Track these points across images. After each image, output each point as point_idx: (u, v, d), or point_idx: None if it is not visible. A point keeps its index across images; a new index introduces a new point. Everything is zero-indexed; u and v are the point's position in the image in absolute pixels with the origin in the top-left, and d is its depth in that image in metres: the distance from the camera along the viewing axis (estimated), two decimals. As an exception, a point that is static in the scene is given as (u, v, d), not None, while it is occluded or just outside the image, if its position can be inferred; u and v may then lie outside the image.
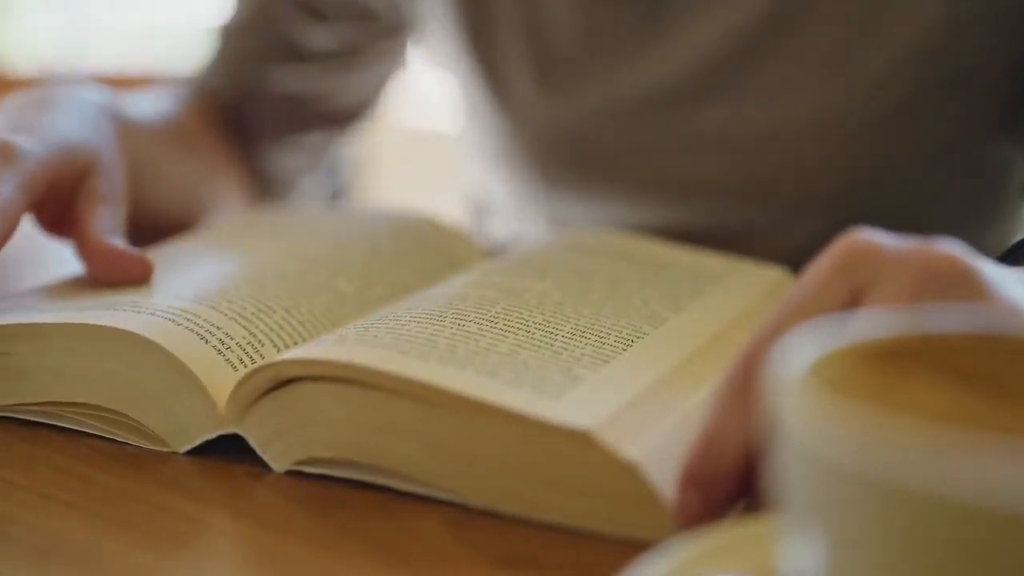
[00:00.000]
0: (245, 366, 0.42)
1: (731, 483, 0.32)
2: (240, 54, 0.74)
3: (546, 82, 0.67)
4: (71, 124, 0.52)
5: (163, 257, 0.52)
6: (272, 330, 0.44)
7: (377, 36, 0.76)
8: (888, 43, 0.59)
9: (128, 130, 0.59)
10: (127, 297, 0.46)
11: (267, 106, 0.74)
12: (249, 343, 0.43)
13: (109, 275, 0.48)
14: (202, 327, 0.43)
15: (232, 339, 0.43)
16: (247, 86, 0.74)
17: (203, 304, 0.44)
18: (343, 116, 0.78)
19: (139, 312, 0.43)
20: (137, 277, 0.48)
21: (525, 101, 0.68)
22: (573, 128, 0.67)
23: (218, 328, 0.43)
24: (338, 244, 0.54)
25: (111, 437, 0.42)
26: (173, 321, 0.42)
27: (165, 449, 0.42)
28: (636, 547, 0.33)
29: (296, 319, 0.45)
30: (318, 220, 0.60)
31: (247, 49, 0.74)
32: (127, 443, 0.42)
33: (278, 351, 0.43)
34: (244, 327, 0.43)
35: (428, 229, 0.58)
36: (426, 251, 0.56)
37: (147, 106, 0.67)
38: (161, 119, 0.67)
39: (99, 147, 0.52)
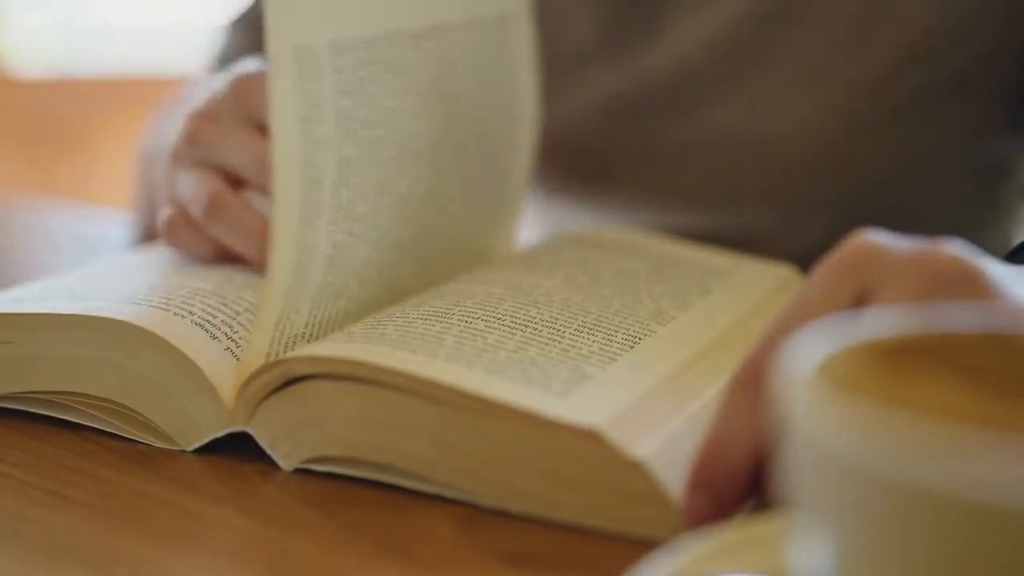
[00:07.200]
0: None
1: (740, 485, 0.32)
2: (251, 48, 0.74)
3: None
4: None
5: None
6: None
7: None
8: (887, 43, 0.59)
9: None
10: (139, 286, 0.46)
11: None
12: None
13: None
14: (213, 324, 0.43)
15: (242, 337, 0.43)
16: None
17: (213, 299, 0.44)
18: None
19: (151, 306, 0.43)
20: None
21: None
22: (564, 130, 0.66)
23: (228, 326, 0.43)
24: None
25: (120, 434, 0.43)
26: (183, 317, 0.42)
27: (174, 447, 0.42)
28: (645, 545, 0.33)
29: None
30: None
31: (256, 42, 0.74)
32: (136, 441, 0.42)
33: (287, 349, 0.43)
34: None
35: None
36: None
37: None
38: None
39: None
